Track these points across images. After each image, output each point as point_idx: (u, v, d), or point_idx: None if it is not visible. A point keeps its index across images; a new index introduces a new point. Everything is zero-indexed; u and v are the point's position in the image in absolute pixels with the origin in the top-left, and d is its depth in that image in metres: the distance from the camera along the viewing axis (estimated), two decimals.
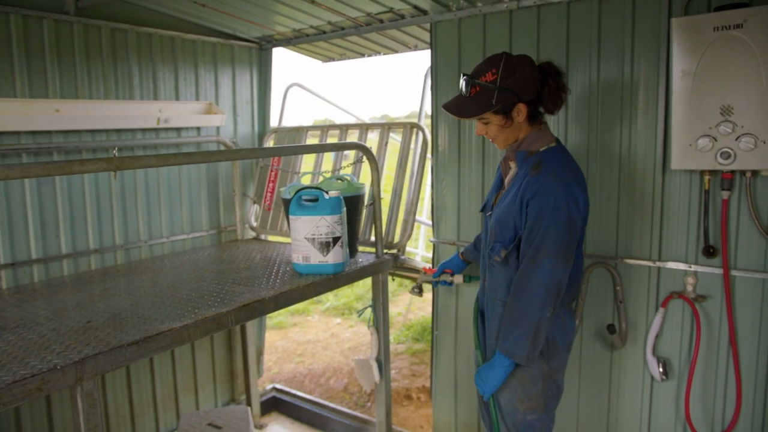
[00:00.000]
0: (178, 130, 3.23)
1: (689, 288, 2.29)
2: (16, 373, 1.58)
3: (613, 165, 2.42)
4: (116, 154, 1.76)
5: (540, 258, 1.86)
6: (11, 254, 2.60)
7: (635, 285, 2.43)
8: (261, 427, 3.70)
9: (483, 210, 2.23)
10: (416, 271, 3.02)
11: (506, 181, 2.10)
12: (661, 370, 2.35)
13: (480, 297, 2.25)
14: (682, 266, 2.31)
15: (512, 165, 2.08)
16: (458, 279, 2.57)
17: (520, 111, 1.93)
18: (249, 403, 3.69)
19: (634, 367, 2.48)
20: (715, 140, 2.05)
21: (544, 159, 1.93)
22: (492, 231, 2.06)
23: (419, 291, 2.77)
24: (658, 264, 2.36)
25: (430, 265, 2.92)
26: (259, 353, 3.89)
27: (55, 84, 2.70)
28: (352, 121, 4.93)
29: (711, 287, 2.26)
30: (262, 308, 2.22)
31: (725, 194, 2.14)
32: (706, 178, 2.17)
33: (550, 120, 2.54)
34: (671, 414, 2.40)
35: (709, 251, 2.22)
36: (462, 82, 1.93)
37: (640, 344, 2.44)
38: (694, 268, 2.28)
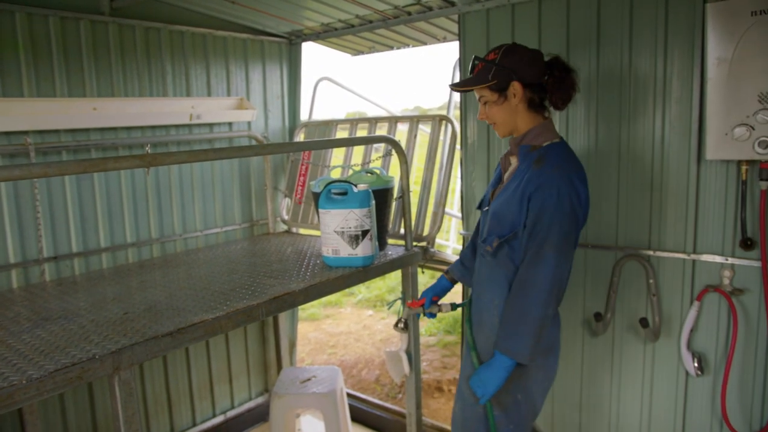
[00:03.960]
0: (211, 125, 3.29)
1: (726, 281, 2.23)
2: (58, 361, 1.65)
3: (646, 155, 2.37)
4: (149, 151, 1.80)
5: (544, 252, 1.82)
6: (54, 248, 2.70)
7: (669, 278, 2.38)
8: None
9: (480, 206, 2.17)
10: (446, 263, 3.02)
11: (505, 176, 2.06)
12: (696, 365, 2.30)
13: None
14: (718, 259, 2.25)
15: (513, 160, 2.04)
16: (446, 309, 2.31)
17: (516, 91, 1.92)
18: None
19: (668, 361, 2.43)
20: (753, 129, 1.99)
21: (547, 154, 1.91)
22: (488, 224, 2.01)
23: (405, 327, 2.45)
24: (692, 257, 2.31)
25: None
26: (292, 345, 3.95)
27: (92, 83, 2.78)
28: (382, 113, 4.95)
29: (748, 280, 2.19)
30: (292, 300, 2.26)
31: (764, 185, 2.07)
32: (744, 168, 2.11)
33: (579, 113, 2.51)
34: (707, 410, 2.35)
35: (747, 243, 2.16)
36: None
37: (674, 338, 2.39)
38: (730, 260, 2.22)
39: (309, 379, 3.08)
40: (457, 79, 3.19)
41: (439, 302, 2.34)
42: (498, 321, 1.96)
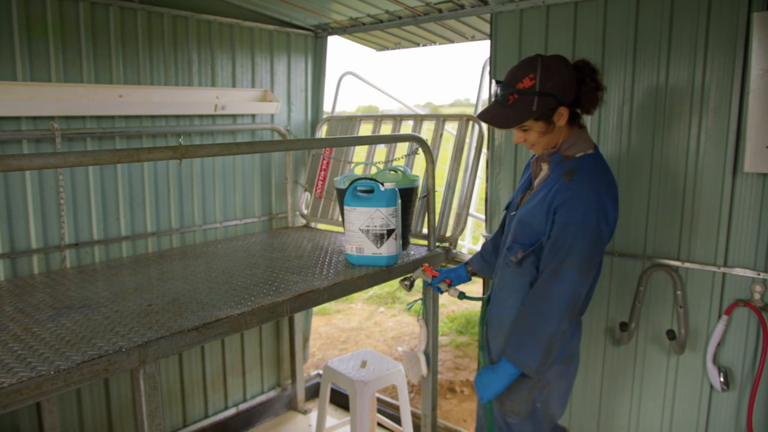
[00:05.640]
0: (234, 116, 3.27)
1: (757, 296, 2.19)
2: (85, 353, 1.64)
3: (679, 164, 2.32)
4: (182, 142, 1.78)
5: (563, 269, 1.79)
6: (75, 235, 2.69)
7: (697, 290, 2.34)
8: (305, 411, 3.76)
9: (507, 208, 2.15)
10: None
11: (536, 182, 2.01)
12: (722, 379, 2.27)
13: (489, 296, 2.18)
14: (749, 273, 2.21)
15: (544, 167, 1.98)
16: (453, 293, 2.37)
17: (562, 115, 1.85)
18: (294, 388, 3.75)
19: (692, 375, 2.39)
20: None
21: (579, 166, 1.84)
22: (513, 231, 1.99)
23: (410, 285, 2.49)
24: (723, 270, 2.27)
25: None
26: (305, 339, 3.94)
27: (119, 70, 2.76)
28: (397, 107, 4.91)
29: None
30: (316, 299, 2.23)
31: None
32: None
33: (612, 119, 2.47)
34: (731, 426, 2.32)
35: None
36: (497, 90, 1.87)
37: (700, 352, 2.36)
38: (763, 275, 2.18)
39: (365, 363, 3.06)
40: (486, 79, 3.14)
41: (452, 286, 2.37)
42: None
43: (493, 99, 1.90)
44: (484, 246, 2.40)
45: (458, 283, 2.39)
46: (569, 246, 1.78)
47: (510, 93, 1.82)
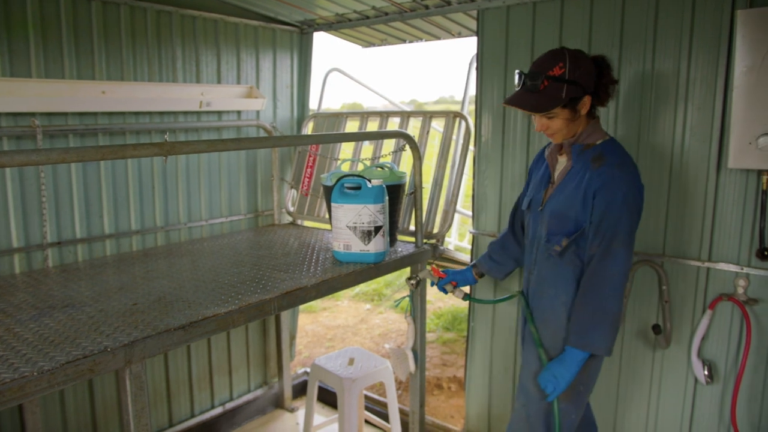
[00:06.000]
0: (219, 113, 3.24)
1: (740, 290, 2.22)
2: (69, 353, 1.61)
3: (665, 160, 2.35)
4: (167, 138, 1.76)
5: (614, 248, 1.88)
6: (57, 233, 2.65)
7: (682, 285, 2.37)
8: (293, 409, 3.74)
9: (529, 207, 2.17)
10: (455, 262, 2.99)
11: (556, 176, 2.07)
12: (706, 373, 2.30)
13: (525, 293, 2.21)
14: (733, 268, 2.24)
15: (561, 159, 2.07)
16: (458, 294, 2.41)
17: (585, 104, 1.94)
18: (281, 387, 3.73)
19: (677, 368, 2.42)
20: None
21: (605, 151, 1.95)
22: (547, 224, 2.04)
23: (416, 284, 2.57)
24: (707, 264, 2.29)
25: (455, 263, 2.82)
26: (292, 337, 3.92)
27: (102, 66, 2.72)
28: (382, 104, 4.90)
29: (764, 290, 2.18)
30: (303, 296, 2.22)
31: None
32: (765, 178, 2.09)
33: (602, 112, 2.48)
34: (715, 418, 2.35)
35: (764, 254, 2.15)
36: (526, 78, 1.93)
37: (685, 346, 2.38)
38: (746, 270, 2.21)
39: (352, 360, 3.06)
40: (473, 76, 3.14)
41: (457, 288, 2.42)
42: (566, 317, 2.00)
43: (519, 87, 1.97)
44: (491, 247, 2.44)
45: (464, 285, 2.45)
46: (614, 226, 1.88)
47: (541, 80, 1.90)
